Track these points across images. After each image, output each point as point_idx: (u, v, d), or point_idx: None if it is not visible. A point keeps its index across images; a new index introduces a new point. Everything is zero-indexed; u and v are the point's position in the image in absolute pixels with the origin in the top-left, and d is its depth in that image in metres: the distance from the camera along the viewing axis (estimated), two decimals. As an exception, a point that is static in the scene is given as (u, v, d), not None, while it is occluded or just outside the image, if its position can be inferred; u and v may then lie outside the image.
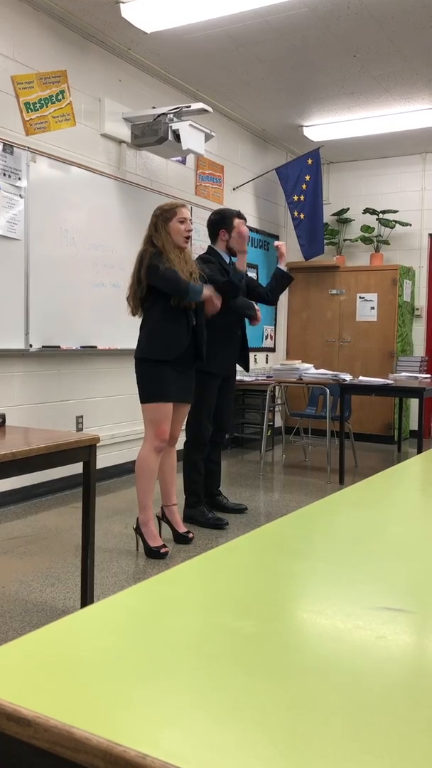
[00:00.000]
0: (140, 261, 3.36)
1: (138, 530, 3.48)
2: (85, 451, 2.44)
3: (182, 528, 3.68)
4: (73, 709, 0.63)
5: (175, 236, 3.37)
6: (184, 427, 3.81)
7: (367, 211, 7.25)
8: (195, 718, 0.62)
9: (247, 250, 3.86)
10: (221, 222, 4.01)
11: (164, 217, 3.37)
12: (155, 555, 3.40)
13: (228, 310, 3.81)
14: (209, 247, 4.06)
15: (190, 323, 3.43)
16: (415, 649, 0.77)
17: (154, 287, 3.32)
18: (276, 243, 4.16)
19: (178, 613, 0.86)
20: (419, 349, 7.46)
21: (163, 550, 3.40)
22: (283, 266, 4.18)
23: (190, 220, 3.46)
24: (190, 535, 3.67)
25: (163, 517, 3.69)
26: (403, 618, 0.86)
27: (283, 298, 7.62)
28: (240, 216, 4.04)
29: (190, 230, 3.42)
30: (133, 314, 3.46)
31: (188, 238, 3.43)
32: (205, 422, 3.97)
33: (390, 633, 0.81)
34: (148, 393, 3.37)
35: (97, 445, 2.49)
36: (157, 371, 3.36)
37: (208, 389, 3.95)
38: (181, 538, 3.64)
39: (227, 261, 4.02)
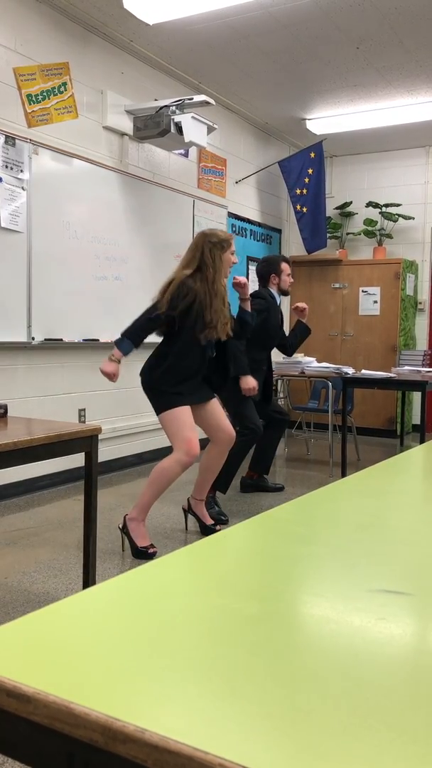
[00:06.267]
0: (184, 294, 3.23)
1: (124, 529, 3.37)
2: (87, 441, 2.45)
3: (209, 520, 3.69)
4: (73, 686, 0.64)
5: (225, 267, 3.37)
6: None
7: (370, 204, 7.23)
8: (194, 693, 0.63)
9: (248, 296, 3.99)
10: (270, 268, 4.50)
11: (221, 246, 3.33)
12: (143, 555, 3.29)
13: (260, 345, 4.38)
14: (261, 288, 4.53)
15: (206, 357, 3.38)
16: (415, 630, 0.78)
17: (180, 318, 3.26)
18: (300, 306, 4.61)
19: (179, 594, 0.86)
20: (422, 343, 7.44)
21: (151, 551, 3.30)
22: (305, 321, 4.69)
23: None
24: (217, 527, 3.66)
25: (189, 510, 3.70)
26: (403, 600, 0.86)
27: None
28: (285, 260, 4.54)
29: (236, 262, 3.48)
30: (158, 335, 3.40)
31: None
32: (253, 420, 4.20)
33: (389, 614, 0.82)
34: (160, 404, 3.31)
35: (99, 438, 2.50)
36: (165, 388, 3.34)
37: (244, 401, 4.21)
38: (208, 530, 3.64)
39: (278, 300, 4.56)
